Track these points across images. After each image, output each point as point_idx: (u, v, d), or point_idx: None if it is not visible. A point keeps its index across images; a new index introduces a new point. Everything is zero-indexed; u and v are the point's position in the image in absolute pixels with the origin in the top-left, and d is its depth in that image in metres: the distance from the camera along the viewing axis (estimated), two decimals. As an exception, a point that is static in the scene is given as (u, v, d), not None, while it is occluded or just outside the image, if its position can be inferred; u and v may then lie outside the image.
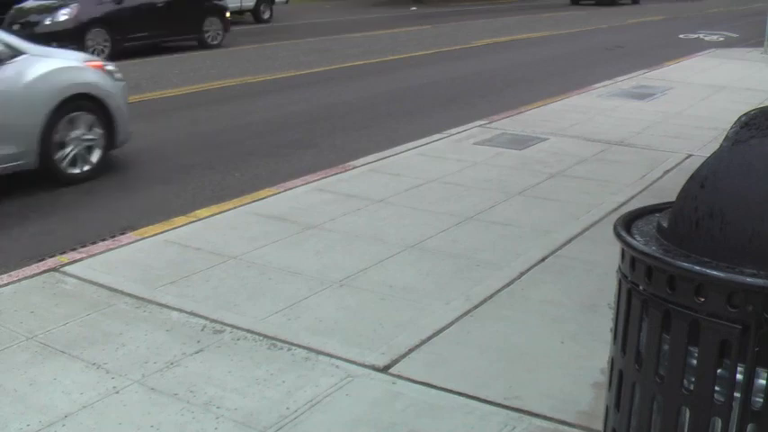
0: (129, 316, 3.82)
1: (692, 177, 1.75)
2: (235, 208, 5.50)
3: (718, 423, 1.67)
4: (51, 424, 2.93)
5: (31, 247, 5.11)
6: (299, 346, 3.52)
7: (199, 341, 3.57)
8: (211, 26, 16.36)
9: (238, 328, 3.69)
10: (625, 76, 11.56)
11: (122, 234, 5.09)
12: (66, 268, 4.41)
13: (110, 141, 6.81)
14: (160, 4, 15.01)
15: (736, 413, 1.65)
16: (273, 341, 3.56)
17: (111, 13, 14.16)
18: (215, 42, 16.39)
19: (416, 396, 3.13)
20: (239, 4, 21.20)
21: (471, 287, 4.14)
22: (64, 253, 4.76)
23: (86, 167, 6.60)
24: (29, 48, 6.35)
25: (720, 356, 1.64)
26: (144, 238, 4.91)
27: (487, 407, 3.05)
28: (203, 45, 16.12)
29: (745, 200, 1.64)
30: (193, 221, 5.23)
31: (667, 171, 6.44)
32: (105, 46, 13.97)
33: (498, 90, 11.20)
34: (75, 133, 6.48)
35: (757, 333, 1.58)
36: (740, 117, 1.84)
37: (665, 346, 1.72)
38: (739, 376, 1.63)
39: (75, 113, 6.46)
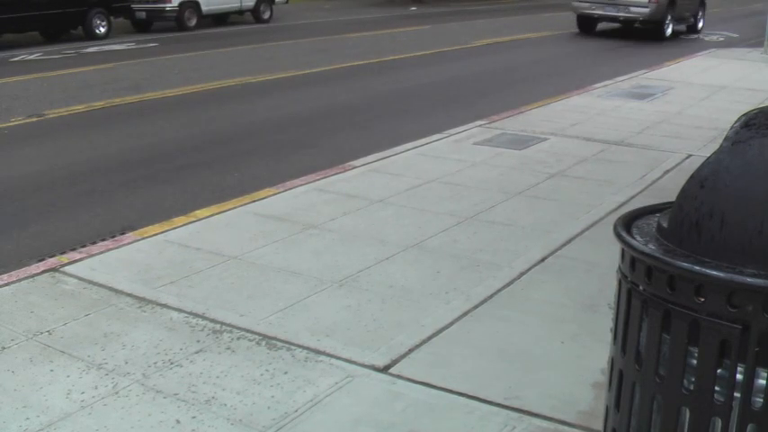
0: (130, 316, 3.82)
1: (691, 177, 1.75)
2: (235, 208, 5.50)
3: (718, 423, 1.67)
4: (51, 424, 2.93)
5: (31, 247, 5.11)
6: (299, 346, 3.52)
7: (199, 341, 3.57)
8: None
9: (238, 328, 3.69)
10: (625, 76, 11.55)
11: (122, 234, 5.09)
12: (66, 268, 4.41)
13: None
14: None
15: (736, 413, 1.64)
16: (273, 341, 3.56)
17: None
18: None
19: (416, 396, 3.13)
20: (239, 4, 21.19)
21: (471, 287, 4.14)
22: (64, 253, 4.76)
23: None
24: None
25: (720, 356, 1.64)
26: (144, 238, 4.91)
27: (487, 407, 3.05)
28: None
29: (745, 200, 1.64)
30: (193, 221, 5.23)
31: (667, 171, 6.44)
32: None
33: (498, 90, 11.20)
34: None
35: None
36: (740, 117, 1.84)
37: (665, 347, 1.72)
38: (739, 376, 1.63)
39: None
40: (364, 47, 15.99)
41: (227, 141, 8.00)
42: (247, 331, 3.66)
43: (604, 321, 3.58)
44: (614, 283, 1.92)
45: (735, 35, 18.66)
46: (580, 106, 9.29)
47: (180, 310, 3.88)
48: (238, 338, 3.59)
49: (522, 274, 4.33)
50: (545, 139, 7.52)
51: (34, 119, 9.10)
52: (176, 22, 19.32)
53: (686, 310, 1.66)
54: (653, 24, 17.28)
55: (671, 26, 17.50)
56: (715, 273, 1.61)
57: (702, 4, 19.18)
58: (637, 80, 11.30)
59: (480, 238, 4.89)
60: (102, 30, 17.75)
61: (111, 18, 18.13)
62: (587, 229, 5.06)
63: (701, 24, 19.43)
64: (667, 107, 9.27)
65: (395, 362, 3.39)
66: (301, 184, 6.04)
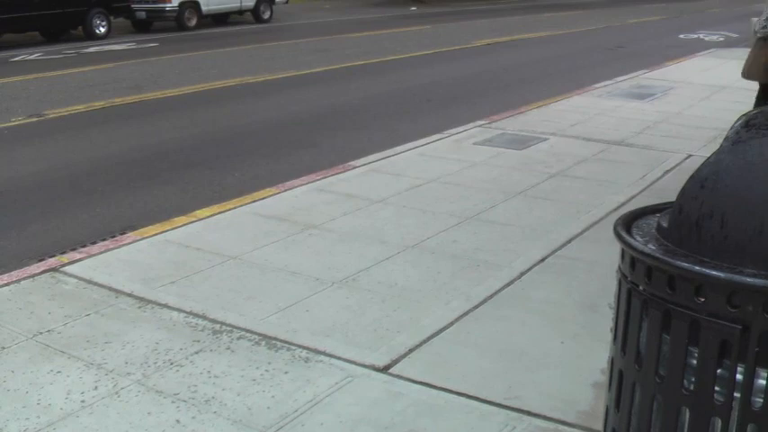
0: (129, 316, 3.82)
1: (692, 177, 1.75)
2: (235, 208, 5.50)
3: (718, 423, 1.67)
4: (51, 424, 2.93)
5: (31, 247, 5.11)
6: (299, 346, 3.52)
7: (199, 341, 3.57)
8: None
9: (238, 327, 3.69)
10: (625, 76, 11.55)
11: (122, 234, 5.09)
12: (66, 268, 4.41)
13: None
14: None
15: (736, 413, 1.64)
16: (273, 341, 3.56)
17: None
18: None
19: (416, 396, 3.13)
20: (239, 4, 21.20)
21: (471, 287, 4.14)
22: (64, 253, 4.76)
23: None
24: None
25: (720, 356, 1.64)
26: (144, 238, 4.91)
27: (487, 407, 3.05)
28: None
29: (745, 200, 1.64)
30: (193, 221, 5.23)
31: (667, 171, 6.44)
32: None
33: (498, 90, 11.20)
34: None
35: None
36: (740, 117, 1.84)
37: (665, 347, 1.72)
38: (739, 376, 1.63)
39: None
40: (364, 47, 16.00)
41: (227, 141, 8.01)
42: (247, 331, 3.66)
43: (604, 321, 3.58)
44: (614, 283, 1.92)
45: (735, 35, 18.65)
46: (580, 106, 9.29)
47: (180, 310, 3.88)
48: (238, 338, 3.59)
49: (522, 274, 4.34)
50: (545, 139, 7.52)
51: (34, 119, 9.11)
52: (176, 22, 19.34)
53: (686, 310, 1.66)
54: None
55: None
56: (715, 273, 1.61)
57: None
58: (637, 80, 11.30)
59: (480, 238, 4.89)
60: (102, 30, 17.77)
61: (111, 18, 18.15)
62: (587, 229, 5.06)
63: None
64: (667, 107, 9.27)
65: (395, 362, 3.39)
66: (301, 184, 6.04)
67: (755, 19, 6.60)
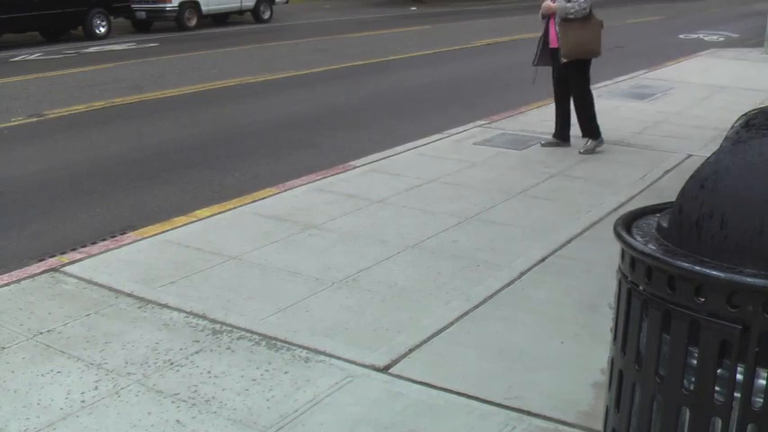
0: (129, 316, 3.82)
1: (692, 177, 1.75)
2: (235, 208, 5.50)
3: (718, 423, 1.67)
4: (51, 424, 2.93)
5: (31, 247, 5.11)
6: (299, 346, 3.52)
7: (199, 341, 3.57)
8: None
9: (238, 327, 3.69)
10: (625, 76, 11.54)
11: (122, 234, 5.09)
12: (67, 268, 4.41)
13: None
14: None
15: (737, 413, 1.64)
16: (273, 341, 3.56)
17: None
18: None
19: (416, 396, 3.13)
20: (239, 4, 21.20)
21: (471, 287, 4.14)
22: (64, 253, 4.76)
23: None
24: None
25: (720, 356, 1.64)
26: (144, 238, 4.91)
27: (487, 407, 3.05)
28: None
29: (746, 200, 1.64)
30: (193, 221, 5.23)
31: (667, 171, 6.44)
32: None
33: (498, 90, 11.20)
34: None
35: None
36: (740, 117, 1.84)
37: (665, 347, 1.72)
38: (739, 376, 1.63)
39: None
40: (364, 47, 15.99)
41: (227, 141, 8.00)
42: (247, 331, 3.66)
43: (604, 321, 3.56)
44: (614, 283, 1.92)
45: (735, 35, 18.64)
46: (580, 106, 9.26)
47: (180, 310, 3.88)
48: (238, 338, 3.59)
49: (522, 274, 4.33)
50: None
51: (34, 119, 9.10)
52: (176, 22, 19.34)
53: (686, 310, 1.66)
54: None
55: None
56: (715, 273, 1.61)
57: None
58: (637, 80, 11.29)
59: (480, 238, 4.89)
60: (102, 30, 17.76)
61: (111, 18, 18.15)
62: (587, 229, 5.06)
63: None
64: (667, 107, 9.27)
65: (395, 362, 3.39)
66: (301, 184, 6.04)
67: (568, 4, 7.14)
